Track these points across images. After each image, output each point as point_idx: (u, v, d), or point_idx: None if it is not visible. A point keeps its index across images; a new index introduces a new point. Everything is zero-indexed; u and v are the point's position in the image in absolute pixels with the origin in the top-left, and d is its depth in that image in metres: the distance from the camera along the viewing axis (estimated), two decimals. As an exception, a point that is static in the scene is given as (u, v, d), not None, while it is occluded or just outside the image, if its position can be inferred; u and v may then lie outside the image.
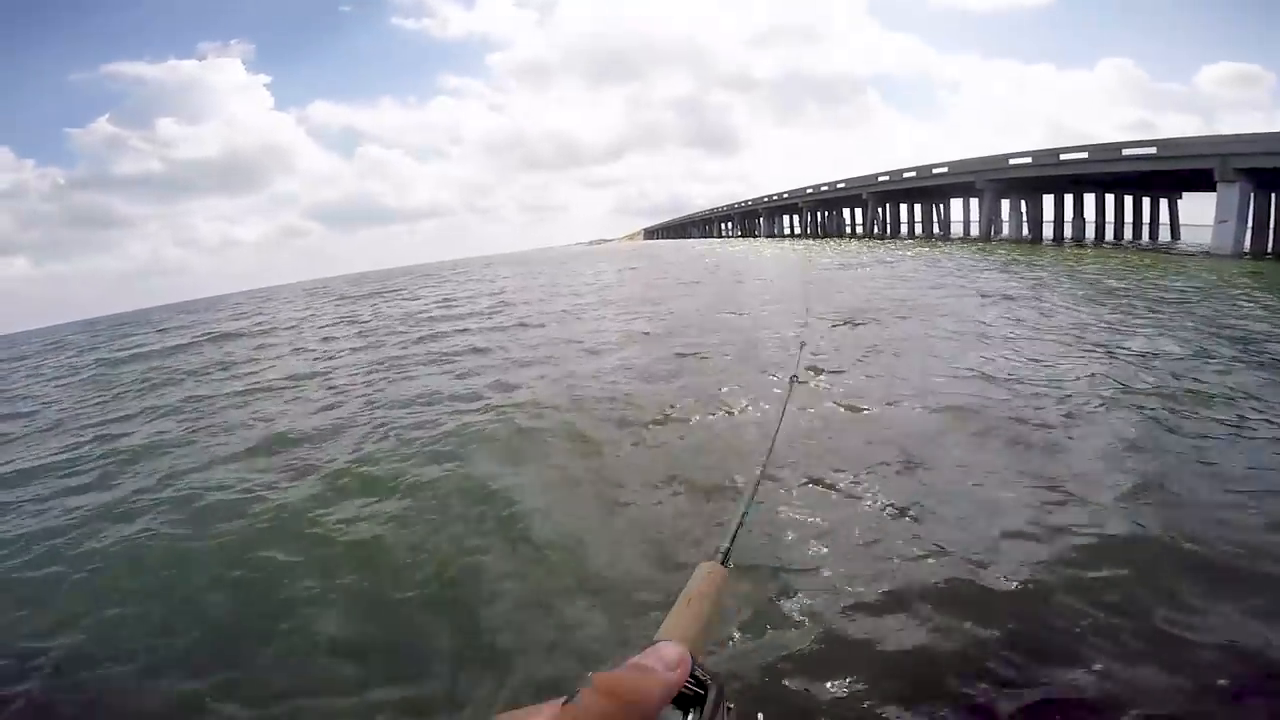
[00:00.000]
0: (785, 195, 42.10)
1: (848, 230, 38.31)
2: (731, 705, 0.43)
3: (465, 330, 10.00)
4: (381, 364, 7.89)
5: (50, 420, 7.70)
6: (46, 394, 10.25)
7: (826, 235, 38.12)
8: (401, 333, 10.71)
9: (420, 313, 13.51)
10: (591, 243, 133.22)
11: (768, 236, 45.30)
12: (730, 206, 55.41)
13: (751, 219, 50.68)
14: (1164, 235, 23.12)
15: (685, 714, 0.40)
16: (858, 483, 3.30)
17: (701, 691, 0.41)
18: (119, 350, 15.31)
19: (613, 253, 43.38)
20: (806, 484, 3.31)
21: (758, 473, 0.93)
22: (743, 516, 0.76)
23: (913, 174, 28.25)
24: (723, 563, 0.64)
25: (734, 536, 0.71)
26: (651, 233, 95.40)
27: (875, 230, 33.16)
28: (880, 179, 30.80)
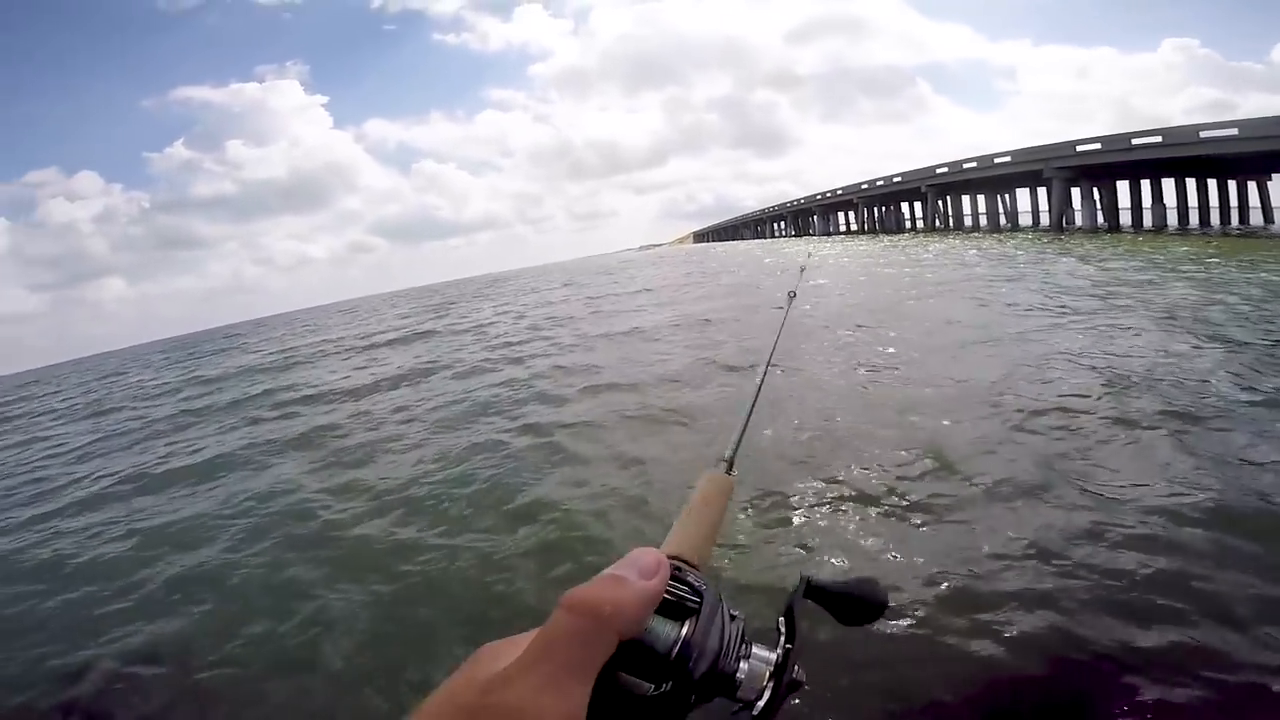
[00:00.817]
0: (839, 192, 41.70)
1: (906, 225, 37.61)
2: (736, 614, 0.41)
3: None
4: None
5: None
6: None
7: (884, 231, 37.53)
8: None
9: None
10: (642, 248, 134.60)
11: (822, 235, 44.92)
12: (782, 206, 55.18)
13: (805, 218, 50.32)
14: (1255, 219, 21.69)
15: (681, 623, 0.37)
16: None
17: (697, 600, 0.38)
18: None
19: (663, 259, 43.35)
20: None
21: (758, 381, 0.87)
22: (745, 424, 0.74)
23: (973, 164, 27.59)
24: (727, 471, 0.63)
25: (737, 444, 0.70)
26: (701, 236, 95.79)
27: (936, 224, 32.48)
28: (939, 171, 30.19)
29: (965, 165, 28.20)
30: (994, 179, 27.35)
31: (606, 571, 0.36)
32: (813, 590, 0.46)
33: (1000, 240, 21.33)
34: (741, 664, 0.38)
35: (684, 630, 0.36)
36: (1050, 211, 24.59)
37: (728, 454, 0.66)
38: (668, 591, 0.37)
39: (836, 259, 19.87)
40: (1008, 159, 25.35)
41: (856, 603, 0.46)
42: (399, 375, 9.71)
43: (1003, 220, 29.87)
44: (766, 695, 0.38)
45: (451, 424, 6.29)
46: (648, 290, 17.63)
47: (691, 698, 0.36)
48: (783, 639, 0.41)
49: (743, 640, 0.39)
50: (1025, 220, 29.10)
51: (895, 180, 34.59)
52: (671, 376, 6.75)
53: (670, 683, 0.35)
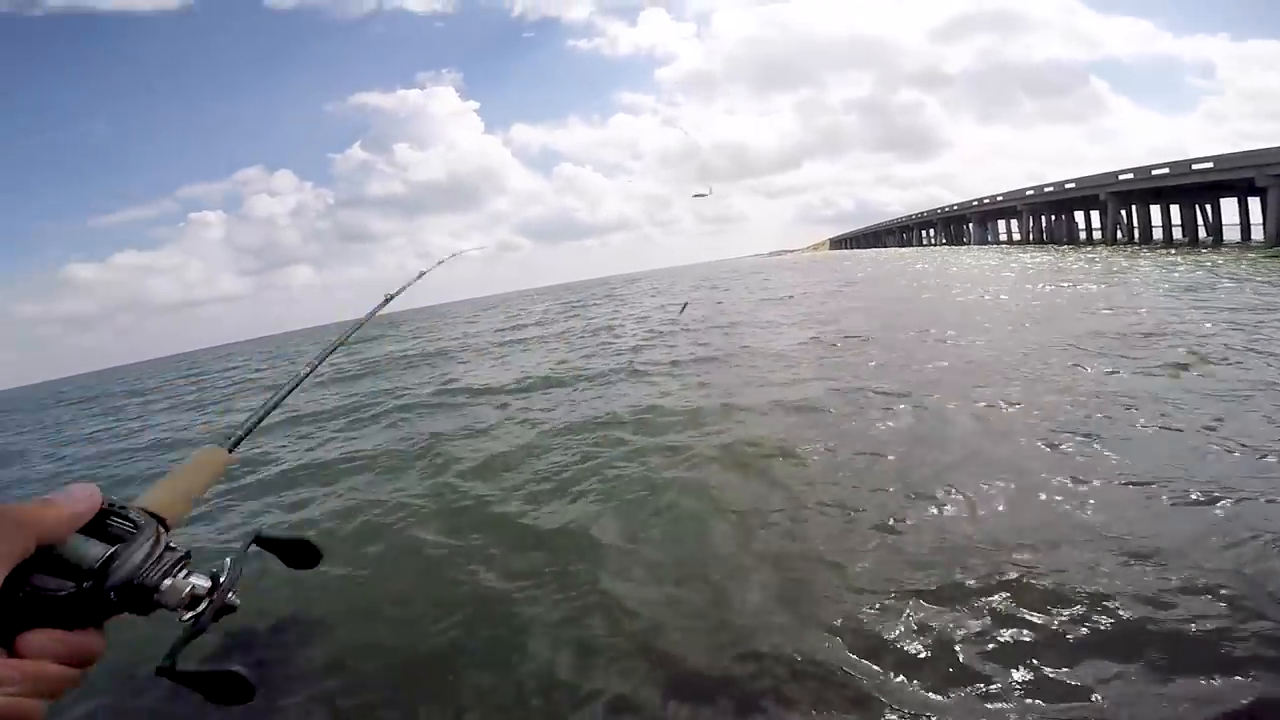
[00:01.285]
0: (999, 198, 38.73)
1: (1081, 236, 34.07)
2: (176, 548, 0.50)
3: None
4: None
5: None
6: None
7: (1051, 241, 34.35)
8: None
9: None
10: (772, 253, 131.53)
11: (979, 244, 41.95)
12: (932, 212, 52.11)
13: (958, 225, 47.15)
14: None
15: (112, 545, 0.45)
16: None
17: (134, 530, 0.48)
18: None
19: (796, 266, 41.15)
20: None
21: (298, 377, 1.06)
22: (264, 413, 0.85)
23: (1165, 170, 24.70)
24: (230, 450, 0.74)
25: (249, 429, 0.80)
26: (838, 242, 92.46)
27: (1118, 236, 29.29)
28: (1122, 177, 27.33)
29: (1155, 171, 25.31)
30: (1190, 187, 24.32)
31: (39, 497, 0.43)
32: (262, 540, 0.64)
33: (1225, 259, 16.94)
34: (165, 581, 0.48)
35: (112, 550, 0.45)
36: (1267, 223, 21.46)
37: (238, 434, 0.78)
38: (108, 521, 0.47)
39: (1026, 279, 14.91)
40: (1209, 164, 22.51)
41: (298, 550, 0.66)
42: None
43: (1203, 233, 26.26)
44: (202, 609, 0.50)
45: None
46: (788, 298, 16.95)
47: (111, 597, 0.44)
48: (224, 574, 0.52)
49: (176, 566, 0.49)
50: (1232, 235, 25.32)
51: (1068, 186, 31.61)
52: (810, 405, 5.44)
53: (89, 583, 0.43)
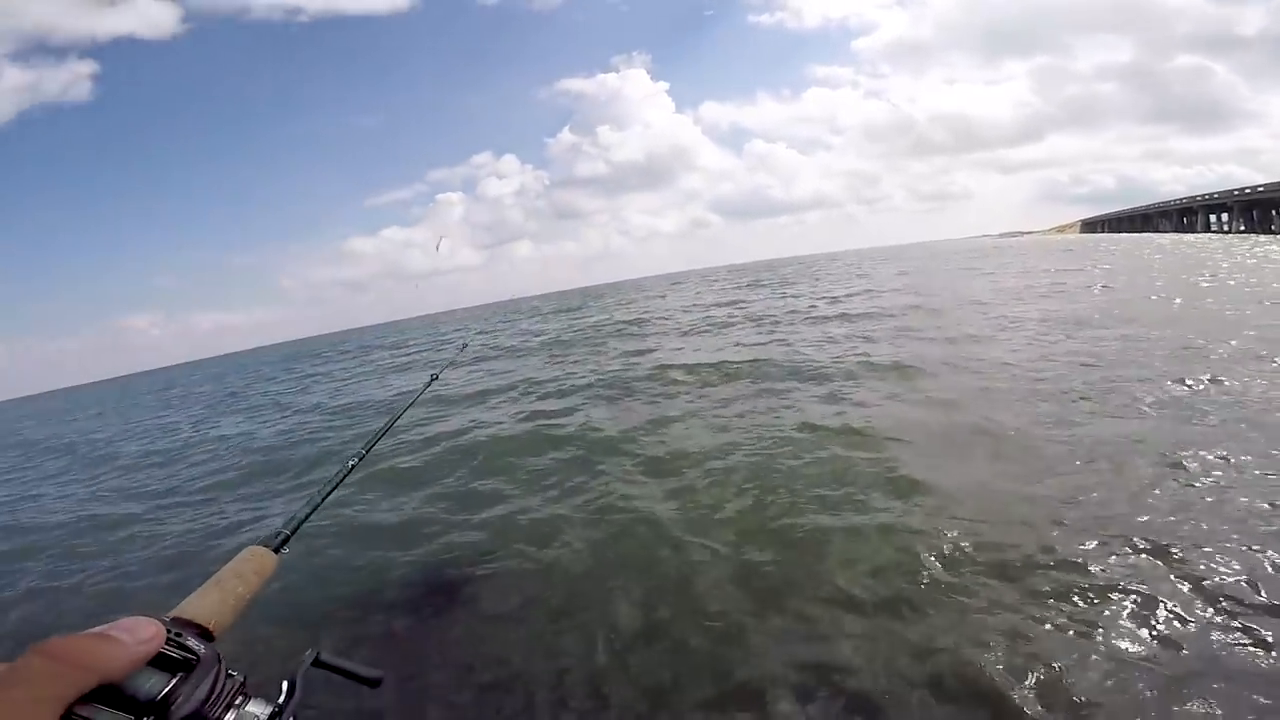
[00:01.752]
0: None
1: None
2: (235, 673, 0.49)
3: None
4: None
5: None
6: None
7: None
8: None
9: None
10: (1002, 235, 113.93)
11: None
12: (1225, 194, 40.76)
13: (1263, 210, 36.28)
14: None
15: (173, 675, 0.44)
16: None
17: (195, 658, 0.46)
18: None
19: (1028, 250, 32.65)
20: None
21: (340, 471, 0.97)
22: (315, 506, 0.79)
23: None
24: (276, 549, 0.69)
25: (298, 524, 0.75)
26: (1092, 225, 76.45)
27: None
28: None
29: None
30: None
31: (99, 629, 0.41)
32: (319, 663, 0.61)
33: None
34: (229, 713, 0.47)
35: (173, 681, 0.44)
36: None
37: (285, 532, 0.74)
38: (165, 649, 0.44)
39: None
40: None
41: (354, 677, 0.62)
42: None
43: None
44: None
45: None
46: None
47: None
48: (283, 696, 0.52)
49: (238, 693, 0.48)
50: None
51: None
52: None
53: (149, 719, 0.41)
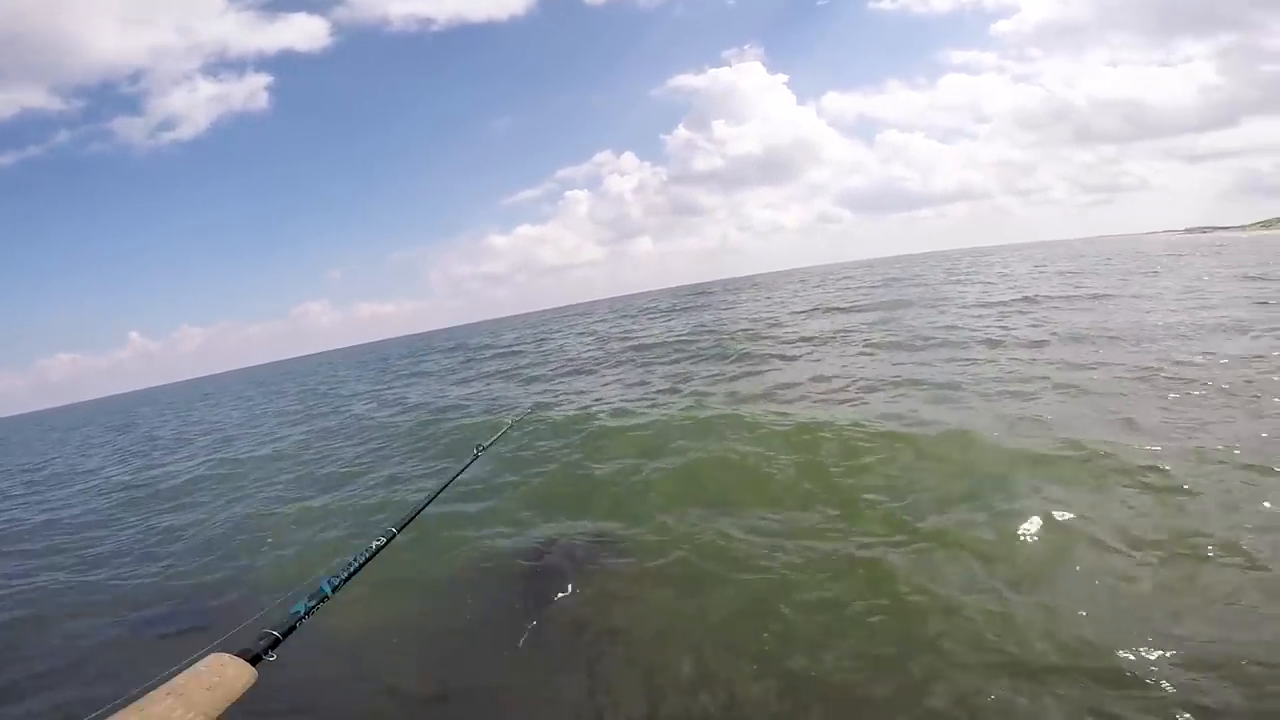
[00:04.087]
0: None
1: None
2: None
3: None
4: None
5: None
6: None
7: None
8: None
9: None
10: (1188, 230, 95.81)
11: None
12: None
13: None
14: None
15: None
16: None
17: None
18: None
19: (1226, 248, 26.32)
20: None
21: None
22: (299, 619, 0.63)
23: None
24: (253, 661, 0.54)
25: (286, 633, 0.59)
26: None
27: None
28: None
29: None
30: None
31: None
32: None
33: None
34: None
35: None
36: None
37: (274, 633, 0.57)
38: None
39: None
40: None
41: None
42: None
43: None
44: None
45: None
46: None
47: None
48: None
49: None
50: None
51: None
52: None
53: None
